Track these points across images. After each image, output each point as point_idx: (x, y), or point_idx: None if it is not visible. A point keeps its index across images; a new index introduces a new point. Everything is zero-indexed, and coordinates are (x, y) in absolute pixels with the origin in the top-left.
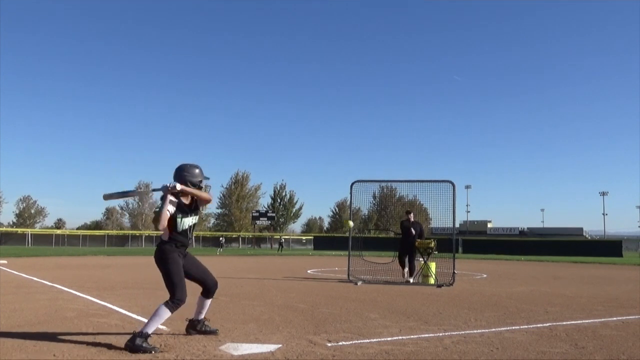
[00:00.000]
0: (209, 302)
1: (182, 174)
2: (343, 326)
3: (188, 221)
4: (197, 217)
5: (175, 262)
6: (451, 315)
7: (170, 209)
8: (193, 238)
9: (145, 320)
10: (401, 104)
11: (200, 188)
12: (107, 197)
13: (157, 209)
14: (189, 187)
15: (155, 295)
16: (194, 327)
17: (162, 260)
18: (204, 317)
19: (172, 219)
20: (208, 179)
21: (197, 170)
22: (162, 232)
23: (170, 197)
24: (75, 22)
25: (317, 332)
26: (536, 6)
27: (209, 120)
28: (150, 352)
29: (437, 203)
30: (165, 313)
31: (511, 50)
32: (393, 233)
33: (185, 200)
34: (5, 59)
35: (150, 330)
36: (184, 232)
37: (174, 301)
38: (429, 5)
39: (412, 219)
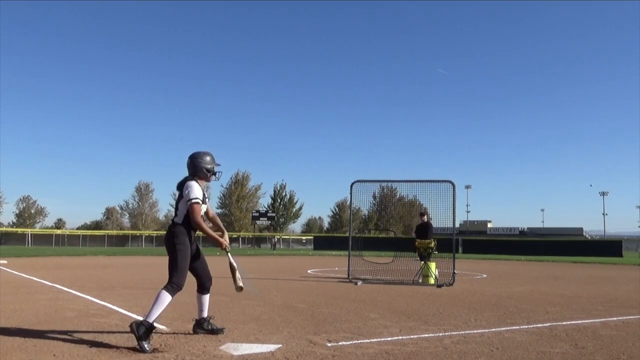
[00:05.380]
0: (207, 297)
1: (197, 161)
2: (343, 326)
3: (204, 208)
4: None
5: (185, 246)
6: (451, 315)
7: (200, 197)
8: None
9: (158, 314)
10: (401, 104)
11: (214, 174)
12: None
13: (194, 200)
14: (204, 173)
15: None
16: (201, 325)
17: (173, 242)
18: (209, 316)
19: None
20: (219, 165)
21: (209, 158)
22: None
23: (199, 186)
24: (75, 22)
25: (317, 332)
26: (537, 6)
27: (209, 121)
28: (150, 352)
29: (437, 203)
30: (166, 297)
31: (511, 50)
32: (393, 233)
33: (204, 192)
34: (5, 59)
35: (153, 317)
36: (200, 217)
37: (173, 285)
38: (429, 6)
39: (425, 220)
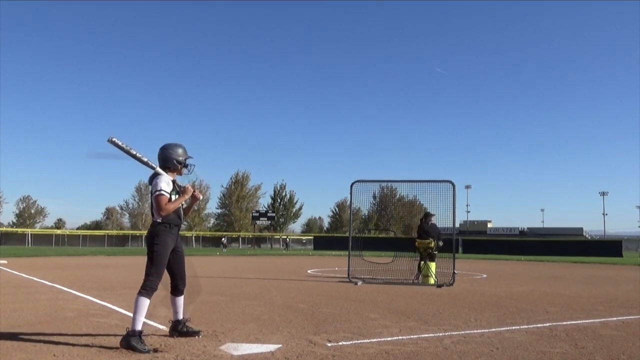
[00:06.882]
0: (181, 300)
1: (168, 152)
2: (343, 326)
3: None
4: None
5: (163, 247)
6: (451, 315)
7: (167, 189)
8: (185, 218)
9: (143, 320)
10: (401, 104)
11: (186, 166)
12: (113, 142)
13: (159, 191)
14: (174, 165)
15: (154, 295)
16: (176, 328)
17: (153, 242)
18: (185, 318)
19: (169, 199)
20: (191, 157)
21: (181, 150)
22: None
23: (168, 179)
24: (75, 22)
25: (317, 332)
26: (537, 6)
27: (209, 121)
28: (147, 353)
29: (437, 203)
30: (145, 302)
31: (511, 50)
32: (393, 233)
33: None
34: (5, 59)
35: (138, 326)
36: (177, 210)
37: (147, 288)
38: (429, 6)
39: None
